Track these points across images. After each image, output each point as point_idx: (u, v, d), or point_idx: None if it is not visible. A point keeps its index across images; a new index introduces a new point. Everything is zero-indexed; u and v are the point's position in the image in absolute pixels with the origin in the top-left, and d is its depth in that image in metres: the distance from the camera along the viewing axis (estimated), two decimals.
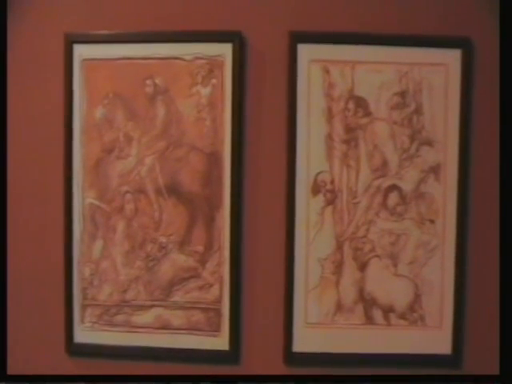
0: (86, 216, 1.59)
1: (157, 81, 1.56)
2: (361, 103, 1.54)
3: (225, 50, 1.53)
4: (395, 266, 1.55)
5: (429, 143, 1.54)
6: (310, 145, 1.54)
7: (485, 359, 1.55)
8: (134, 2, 1.57)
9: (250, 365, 1.59)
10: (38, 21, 1.59)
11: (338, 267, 1.56)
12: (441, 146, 1.54)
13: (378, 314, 1.56)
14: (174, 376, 1.56)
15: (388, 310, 1.56)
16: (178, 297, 1.58)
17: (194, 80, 1.55)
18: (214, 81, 1.54)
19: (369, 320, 1.56)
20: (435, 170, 1.55)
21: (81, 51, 1.56)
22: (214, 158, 1.56)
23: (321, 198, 1.55)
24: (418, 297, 1.56)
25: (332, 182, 1.55)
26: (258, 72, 1.56)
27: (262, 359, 1.58)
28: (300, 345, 1.56)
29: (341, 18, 1.54)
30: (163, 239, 1.57)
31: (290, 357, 1.56)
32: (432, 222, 1.55)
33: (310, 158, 1.54)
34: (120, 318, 1.59)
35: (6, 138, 1.58)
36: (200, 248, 1.57)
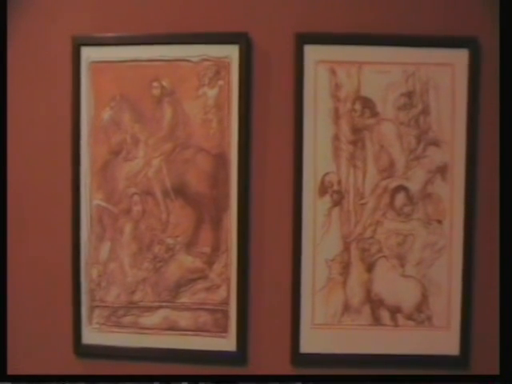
0: (93, 218, 1.60)
1: (163, 83, 1.56)
2: (367, 104, 1.54)
3: (231, 52, 1.54)
4: (402, 266, 1.55)
5: (436, 143, 1.54)
6: (317, 146, 1.54)
7: (492, 360, 1.53)
8: (141, 4, 1.58)
9: (257, 366, 1.59)
10: (45, 24, 1.60)
11: (345, 268, 1.56)
12: (448, 146, 1.54)
13: (385, 315, 1.56)
14: (179, 376, 1.56)
15: (395, 311, 1.56)
16: (185, 298, 1.58)
17: (201, 82, 1.55)
18: (220, 82, 1.55)
19: (376, 321, 1.56)
20: (442, 170, 1.54)
21: (88, 54, 1.57)
22: (220, 160, 1.56)
23: (328, 198, 1.55)
24: (425, 297, 1.55)
25: (339, 182, 1.55)
26: (264, 73, 1.56)
27: (269, 360, 1.58)
28: (307, 346, 1.56)
29: (347, 19, 1.54)
30: (170, 241, 1.58)
31: (297, 358, 1.56)
32: (439, 222, 1.55)
33: (317, 159, 1.54)
34: (127, 319, 1.60)
35: (7, 140, 1.59)
36: (207, 249, 1.57)
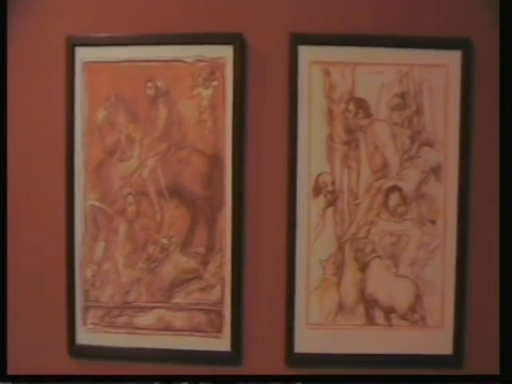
0: (87, 218, 1.59)
1: (158, 83, 1.56)
2: (361, 104, 1.54)
3: (226, 52, 1.54)
4: (396, 266, 1.56)
5: (429, 144, 1.55)
6: (311, 146, 1.55)
7: (486, 359, 1.55)
8: (135, 4, 1.58)
9: (252, 366, 1.59)
10: (39, 24, 1.60)
11: (339, 268, 1.56)
12: (441, 146, 1.55)
13: (379, 315, 1.56)
14: (175, 376, 1.56)
15: (389, 311, 1.56)
16: (179, 298, 1.58)
17: (196, 82, 1.56)
18: (215, 83, 1.55)
19: (370, 321, 1.56)
20: (436, 170, 1.55)
21: (82, 54, 1.57)
22: (215, 160, 1.56)
23: (322, 199, 1.55)
24: (419, 297, 1.56)
25: (333, 183, 1.55)
26: (258, 74, 1.56)
27: (263, 360, 1.59)
28: (301, 346, 1.57)
29: (341, 19, 1.55)
30: (165, 241, 1.58)
31: (292, 357, 1.56)
32: (433, 222, 1.55)
33: (311, 160, 1.55)
34: (122, 319, 1.60)
35: (6, 140, 1.59)
36: (201, 249, 1.57)
